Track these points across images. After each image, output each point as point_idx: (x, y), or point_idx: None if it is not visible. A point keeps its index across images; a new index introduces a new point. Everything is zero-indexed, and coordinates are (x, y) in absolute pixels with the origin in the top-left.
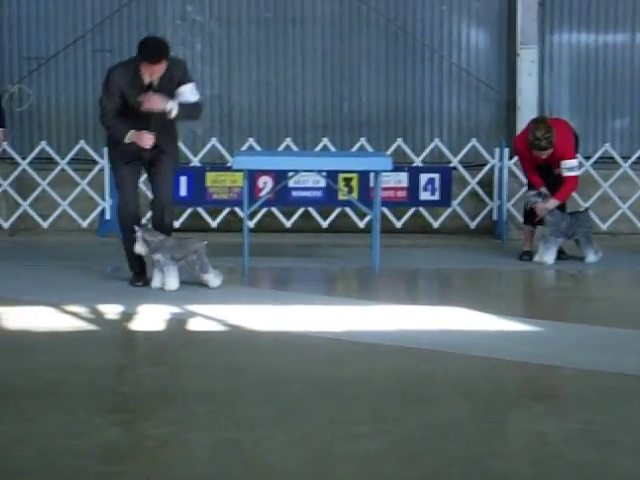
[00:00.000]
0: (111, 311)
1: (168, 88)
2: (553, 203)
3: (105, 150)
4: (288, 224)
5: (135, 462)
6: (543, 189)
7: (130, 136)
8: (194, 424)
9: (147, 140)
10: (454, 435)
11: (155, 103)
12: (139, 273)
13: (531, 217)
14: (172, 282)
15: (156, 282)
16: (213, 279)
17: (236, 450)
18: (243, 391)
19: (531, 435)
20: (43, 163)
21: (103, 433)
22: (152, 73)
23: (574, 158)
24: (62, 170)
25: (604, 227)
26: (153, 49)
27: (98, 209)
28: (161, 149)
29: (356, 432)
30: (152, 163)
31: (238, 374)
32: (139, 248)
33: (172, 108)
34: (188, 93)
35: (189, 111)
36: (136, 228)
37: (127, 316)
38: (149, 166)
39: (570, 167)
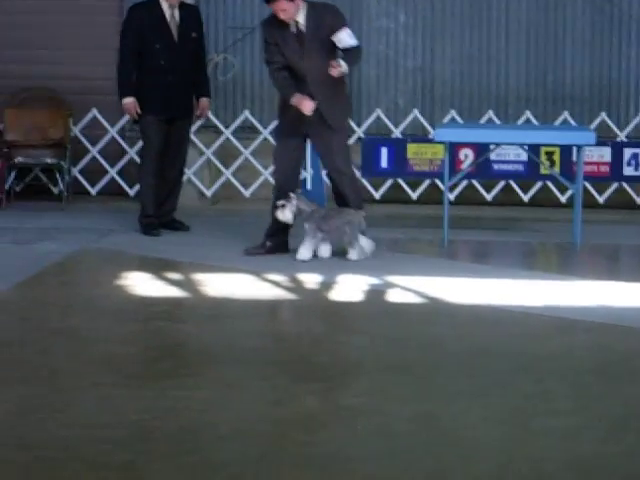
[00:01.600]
0: (310, 280)
1: (318, 35)
2: None
3: None
4: (489, 197)
5: (331, 432)
6: None
7: (293, 99)
8: (391, 395)
9: (308, 106)
10: None
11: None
12: (263, 244)
13: None
14: (303, 252)
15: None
16: (354, 253)
17: (433, 423)
18: (441, 364)
19: None
20: (246, 132)
21: (300, 402)
22: (278, 14)
23: None
24: (264, 139)
25: None
26: None
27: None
28: (323, 119)
29: (555, 408)
30: (313, 133)
31: (436, 346)
32: (286, 214)
33: (341, 67)
34: (346, 38)
35: (351, 59)
36: (291, 195)
37: (326, 286)
38: (311, 136)
39: None
